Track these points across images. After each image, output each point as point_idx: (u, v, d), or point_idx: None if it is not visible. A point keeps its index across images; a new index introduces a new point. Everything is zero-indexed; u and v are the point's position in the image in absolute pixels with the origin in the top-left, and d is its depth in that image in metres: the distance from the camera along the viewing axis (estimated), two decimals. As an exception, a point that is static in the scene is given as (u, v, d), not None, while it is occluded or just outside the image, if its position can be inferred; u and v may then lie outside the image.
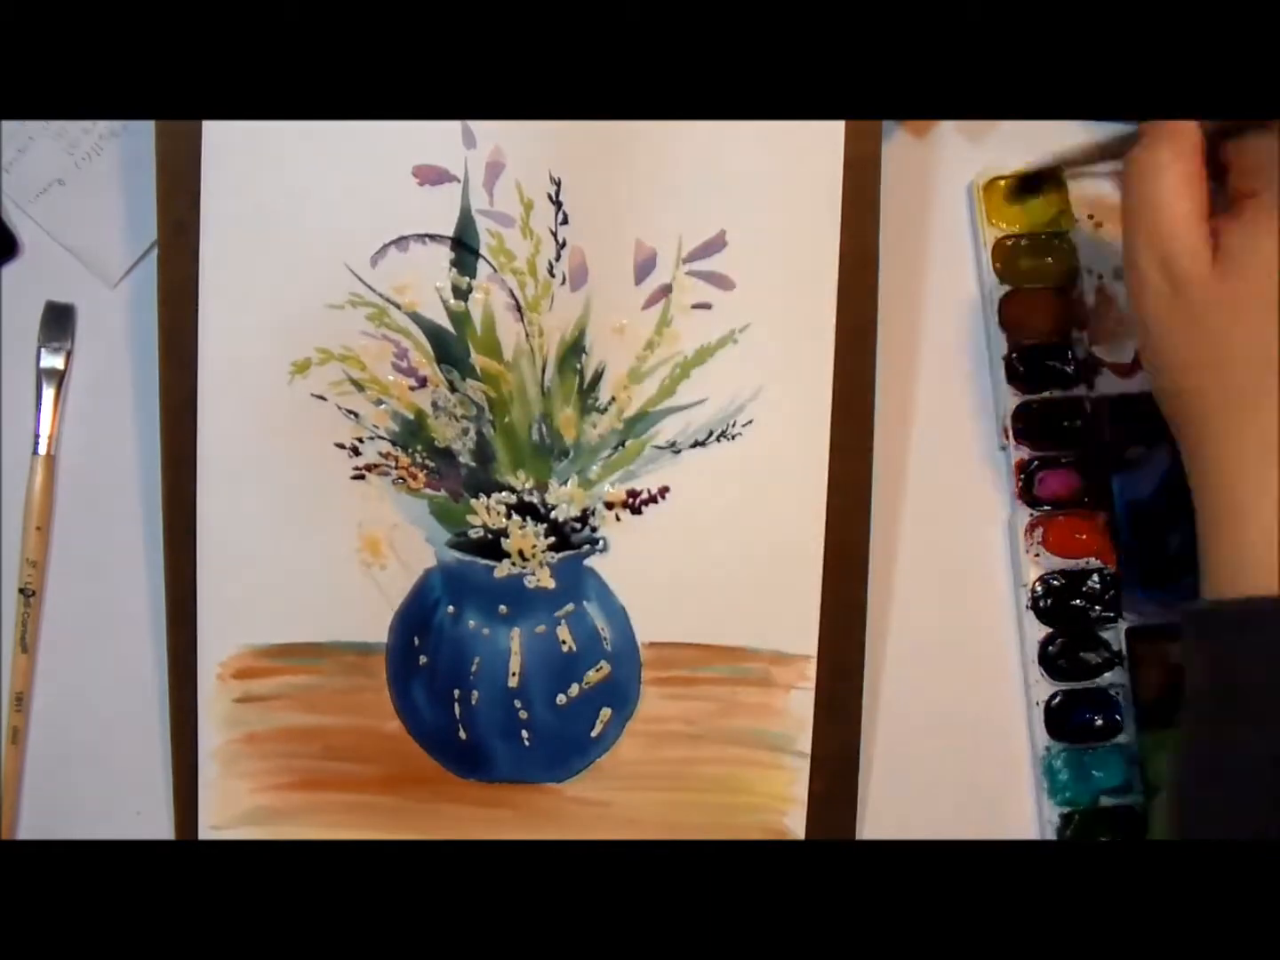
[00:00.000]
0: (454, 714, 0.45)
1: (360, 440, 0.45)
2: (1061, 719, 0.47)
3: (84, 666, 0.47)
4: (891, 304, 0.46)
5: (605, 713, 0.46)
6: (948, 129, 0.49)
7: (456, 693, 0.45)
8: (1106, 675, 0.47)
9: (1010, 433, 0.48)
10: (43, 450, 0.47)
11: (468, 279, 0.45)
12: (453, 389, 0.45)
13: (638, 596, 0.45)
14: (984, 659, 0.48)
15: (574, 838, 0.45)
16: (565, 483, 0.45)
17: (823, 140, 0.44)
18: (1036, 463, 0.48)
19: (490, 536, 0.45)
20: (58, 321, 0.48)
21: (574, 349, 0.45)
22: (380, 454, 0.45)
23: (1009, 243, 0.49)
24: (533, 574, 0.45)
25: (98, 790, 0.47)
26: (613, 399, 0.45)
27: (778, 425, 0.45)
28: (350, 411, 0.45)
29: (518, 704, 0.45)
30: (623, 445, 0.45)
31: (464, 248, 0.44)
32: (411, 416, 0.45)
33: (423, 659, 0.45)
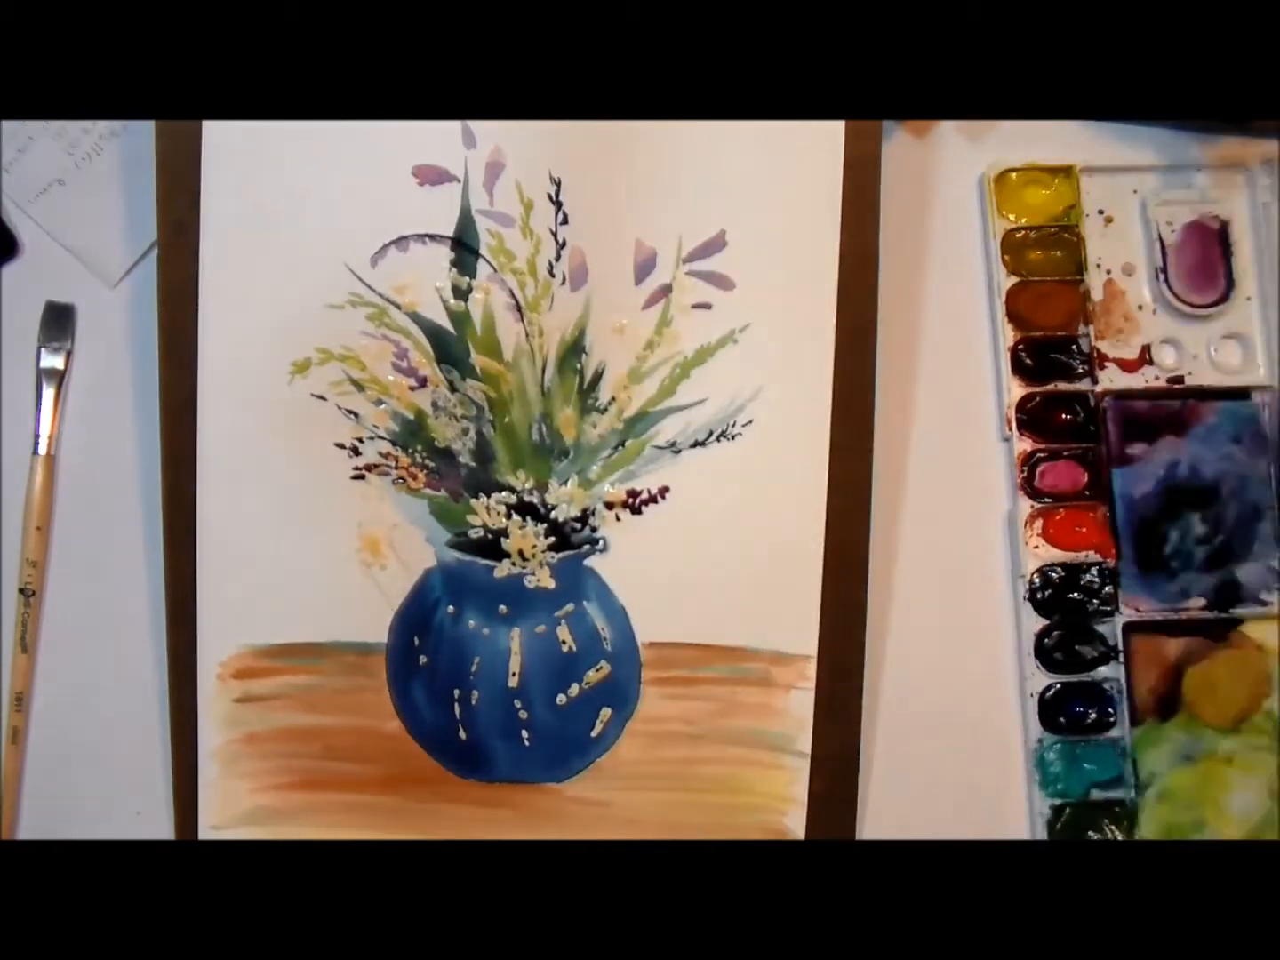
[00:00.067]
0: (454, 714, 0.45)
1: (360, 440, 0.45)
2: (1055, 711, 0.47)
3: (84, 666, 0.47)
4: (891, 304, 0.46)
5: (605, 713, 0.46)
6: (948, 129, 0.50)
7: (456, 693, 0.45)
8: (1101, 669, 0.47)
9: (1013, 424, 0.48)
10: (43, 450, 0.47)
11: (468, 279, 0.45)
12: (453, 389, 0.45)
13: (638, 596, 0.45)
14: (984, 658, 0.48)
15: (574, 838, 0.45)
16: (565, 483, 0.45)
17: (823, 140, 0.44)
18: (1039, 455, 0.48)
19: (490, 536, 0.45)
20: (58, 321, 0.48)
21: (574, 349, 0.45)
22: (380, 454, 0.45)
23: (1018, 235, 0.49)
24: (533, 574, 0.45)
25: (98, 790, 0.47)
26: (613, 399, 0.45)
27: (778, 425, 0.45)
28: (350, 411, 0.45)
29: (518, 704, 0.45)
30: (623, 445, 0.45)
31: (464, 248, 0.44)
32: (411, 416, 0.45)
33: (423, 659, 0.45)
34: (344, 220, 0.44)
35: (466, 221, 0.44)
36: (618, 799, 0.46)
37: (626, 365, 0.45)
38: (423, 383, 0.45)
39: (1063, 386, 0.48)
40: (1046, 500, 0.48)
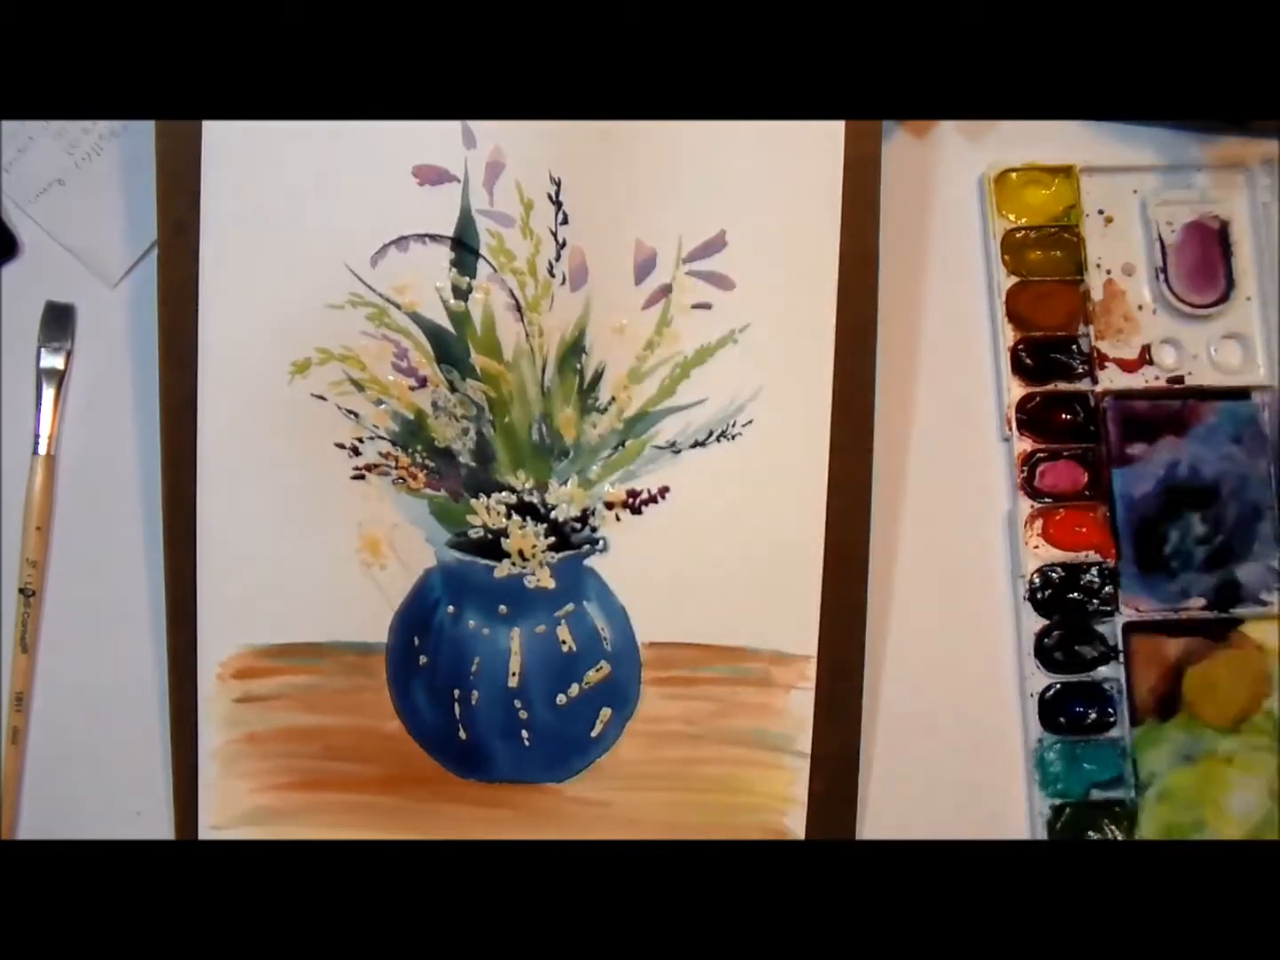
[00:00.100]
0: (454, 714, 0.45)
1: (360, 440, 0.45)
2: (1055, 711, 0.47)
3: (84, 666, 0.47)
4: (891, 304, 0.46)
5: (605, 713, 0.46)
6: (948, 129, 0.50)
7: (456, 693, 0.45)
8: (1101, 669, 0.47)
9: (1013, 424, 0.48)
10: (43, 450, 0.47)
11: (468, 279, 0.45)
12: (453, 389, 0.45)
13: (638, 596, 0.45)
14: (984, 658, 0.48)
15: (574, 838, 0.45)
16: (565, 483, 0.45)
17: (823, 140, 0.44)
18: (1039, 455, 0.48)
19: (490, 536, 0.45)
20: (58, 321, 0.48)
21: (574, 349, 0.45)
22: (380, 454, 0.45)
23: (1019, 235, 0.49)
24: (533, 574, 0.45)
25: (98, 790, 0.47)
26: (613, 399, 0.45)
27: (778, 425, 0.45)
28: (350, 411, 0.45)
29: (518, 704, 0.45)
30: (623, 445, 0.45)
31: (464, 248, 0.44)
32: (411, 416, 0.45)
33: (423, 659, 0.45)
34: (344, 220, 0.44)
35: (466, 221, 0.44)
36: (618, 799, 0.46)
37: (626, 365, 0.45)
38: (423, 383, 0.45)
39: (1063, 386, 0.48)
40: (1046, 500, 0.48)
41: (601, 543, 0.45)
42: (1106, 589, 0.47)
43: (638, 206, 0.45)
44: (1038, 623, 0.47)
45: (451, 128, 0.44)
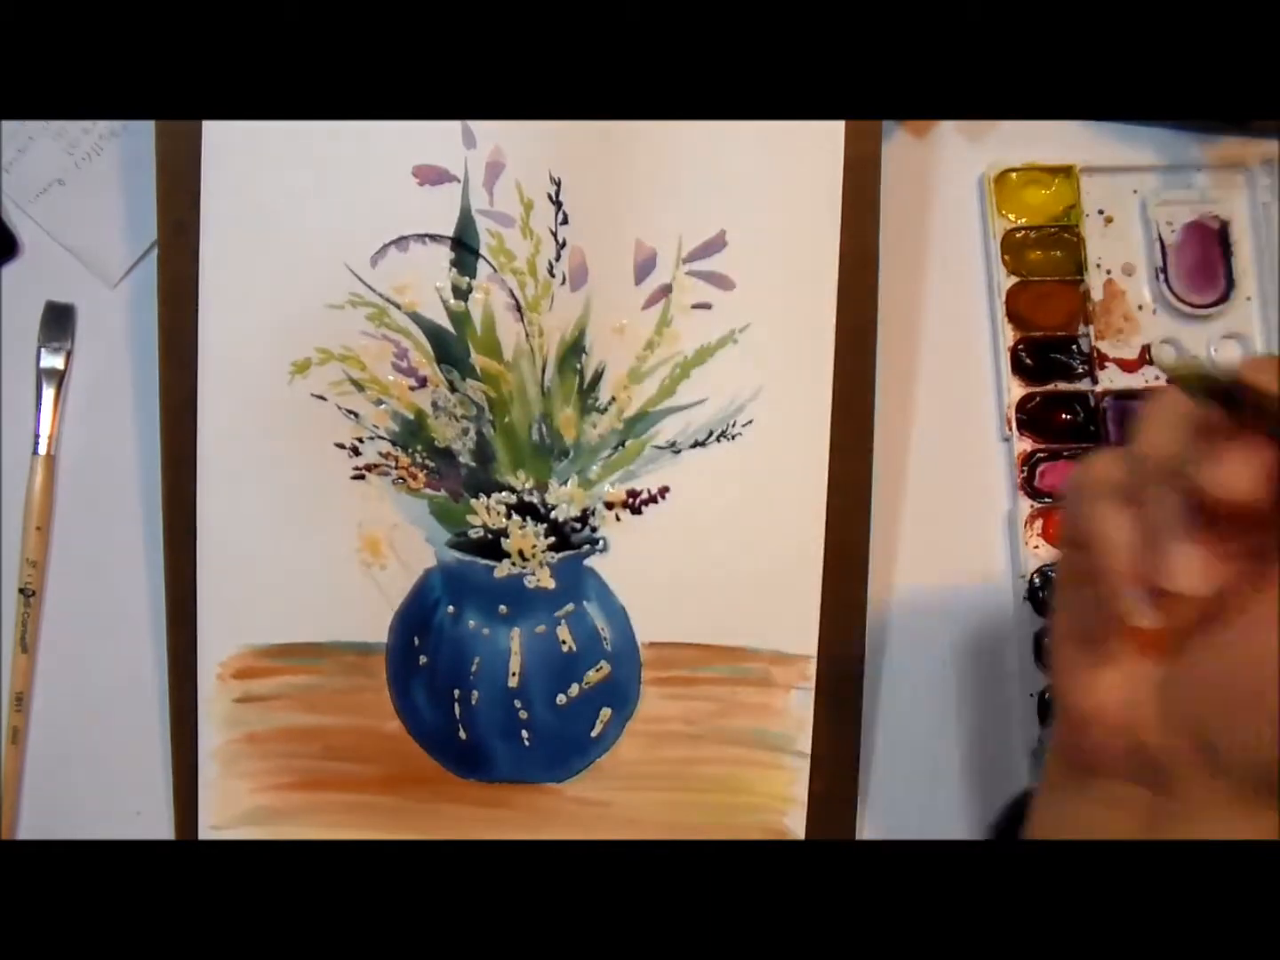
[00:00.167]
0: (454, 714, 0.45)
1: (360, 440, 0.45)
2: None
3: (84, 666, 0.47)
4: (891, 304, 0.46)
5: (605, 713, 0.46)
6: (948, 129, 0.50)
7: (456, 693, 0.45)
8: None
9: (1013, 424, 0.48)
10: (43, 450, 0.47)
11: (468, 279, 0.45)
12: (453, 389, 0.45)
13: (638, 596, 0.45)
14: (985, 658, 0.48)
15: (574, 838, 0.45)
16: (565, 483, 0.45)
17: (823, 140, 0.44)
18: (1039, 455, 0.48)
19: (490, 536, 0.45)
20: (58, 321, 0.48)
21: (574, 349, 0.45)
22: (380, 454, 0.45)
23: (1018, 235, 0.49)
24: (533, 574, 0.45)
25: (98, 790, 0.47)
26: (613, 399, 0.45)
27: (778, 425, 0.45)
28: (350, 411, 0.45)
29: (518, 704, 0.45)
30: (623, 445, 0.45)
31: (464, 248, 0.44)
32: (411, 416, 0.45)
33: (423, 659, 0.45)
34: (344, 220, 0.44)
35: (466, 221, 0.44)
36: (618, 799, 0.46)
37: (626, 365, 0.45)
38: (423, 383, 0.45)
39: (1063, 386, 0.48)
40: (1046, 500, 0.48)
41: (601, 543, 0.45)
42: (1106, 589, 0.47)
43: (638, 206, 0.45)
44: (1038, 623, 0.47)
45: (451, 128, 0.44)
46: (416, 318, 0.45)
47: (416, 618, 0.45)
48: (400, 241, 0.44)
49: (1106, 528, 0.29)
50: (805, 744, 0.45)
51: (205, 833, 0.45)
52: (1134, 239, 0.49)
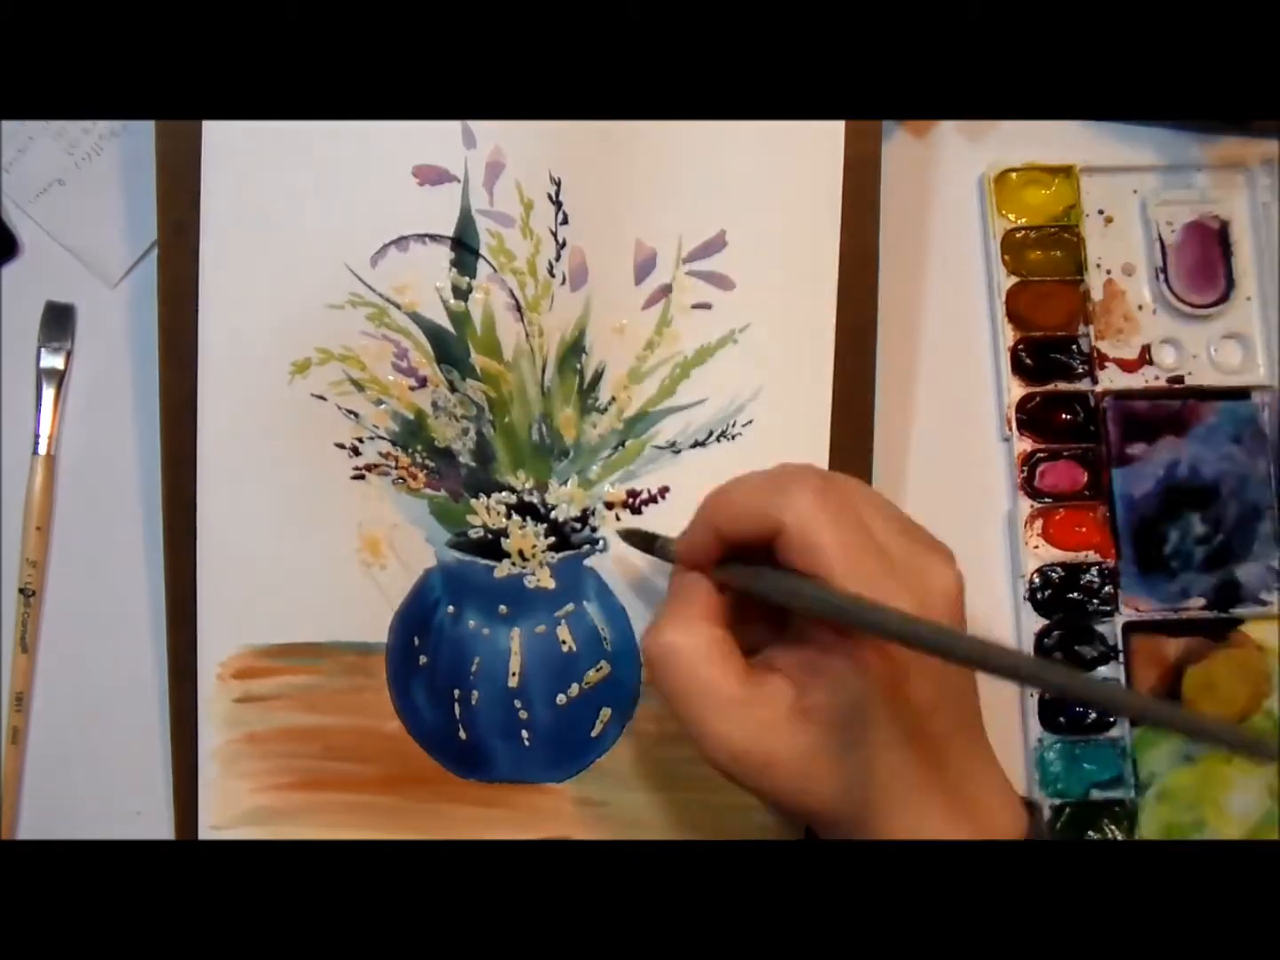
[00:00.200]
0: (454, 714, 0.45)
1: (360, 440, 0.45)
2: (1055, 711, 0.47)
3: (84, 666, 0.47)
4: (891, 304, 0.46)
5: (605, 713, 0.46)
6: (948, 129, 0.49)
7: (456, 693, 0.45)
8: (1101, 669, 0.47)
9: (1013, 424, 0.48)
10: (43, 450, 0.47)
11: (468, 279, 0.45)
12: (453, 389, 0.45)
13: (638, 596, 0.45)
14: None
15: (574, 838, 0.45)
16: (565, 483, 0.45)
17: (823, 140, 0.44)
18: (1039, 455, 0.48)
19: (490, 536, 0.45)
20: (58, 321, 0.48)
21: (574, 349, 0.45)
22: (380, 454, 0.45)
23: (1018, 235, 0.49)
24: (533, 574, 0.45)
25: (98, 790, 0.47)
26: (613, 399, 0.45)
27: (778, 425, 0.45)
28: (350, 411, 0.45)
29: (518, 704, 0.45)
30: (623, 445, 0.45)
31: (464, 248, 0.44)
32: (411, 416, 0.45)
33: (423, 659, 0.45)
34: (344, 220, 0.44)
35: (466, 221, 0.44)
36: (618, 799, 0.46)
37: (626, 365, 0.45)
38: (423, 383, 0.45)
39: (1063, 386, 0.48)
40: (1046, 500, 0.48)
41: (601, 543, 0.45)
42: (1106, 589, 0.47)
43: (638, 206, 0.45)
44: (1038, 623, 0.47)
45: (451, 128, 0.44)
46: (416, 318, 0.45)
47: (416, 618, 0.45)
48: (400, 241, 0.44)
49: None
50: (805, 744, 0.45)
51: (205, 833, 0.45)
52: (1134, 239, 0.49)
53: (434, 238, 0.44)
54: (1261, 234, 0.49)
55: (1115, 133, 0.49)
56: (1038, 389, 0.48)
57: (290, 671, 0.45)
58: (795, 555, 0.35)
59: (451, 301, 0.45)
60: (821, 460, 0.45)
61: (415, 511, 0.45)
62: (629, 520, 0.45)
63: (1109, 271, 0.49)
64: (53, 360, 0.48)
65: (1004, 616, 0.48)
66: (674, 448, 0.45)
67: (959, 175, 0.49)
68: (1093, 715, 0.47)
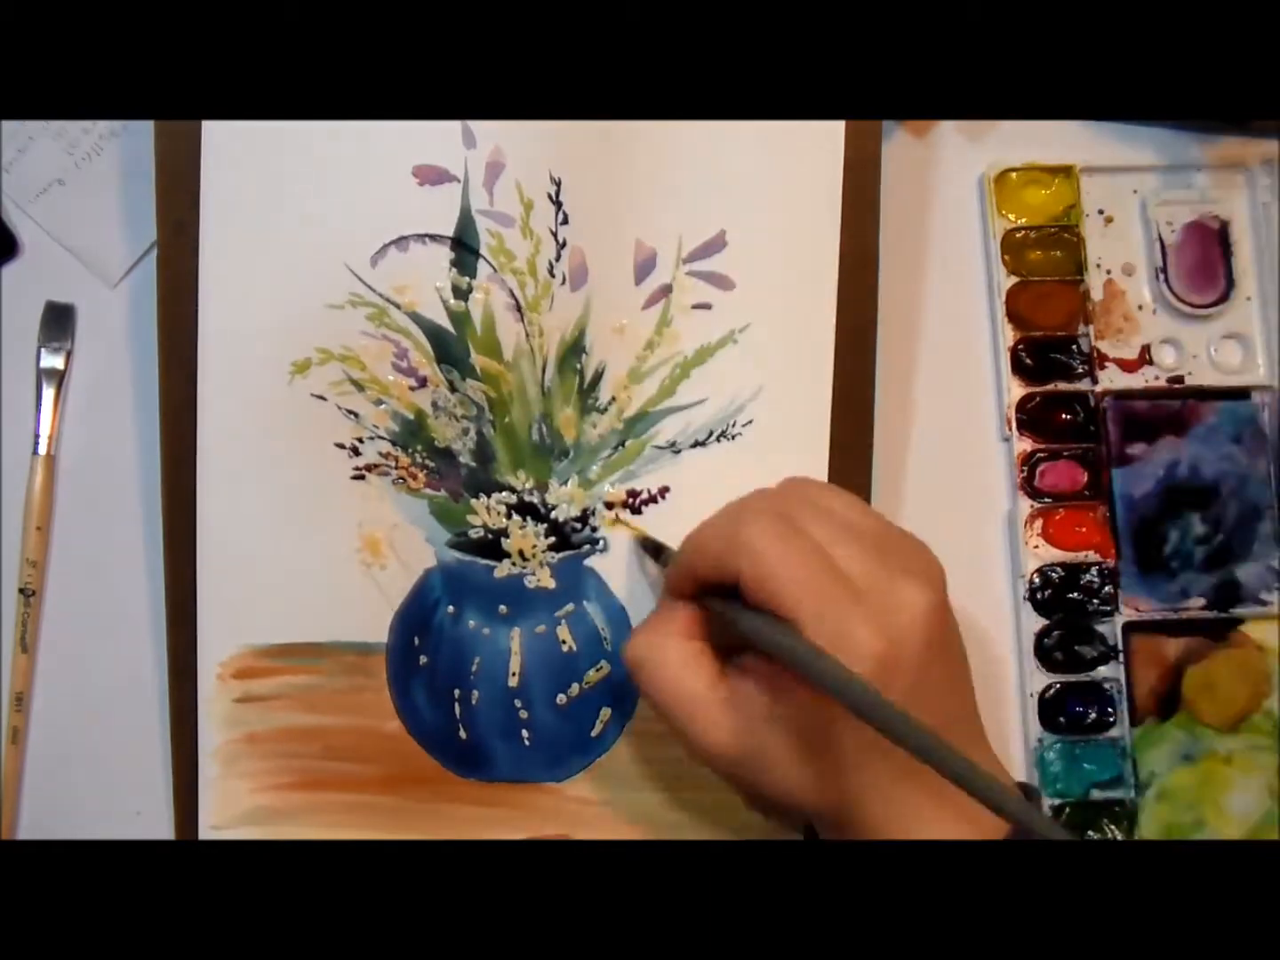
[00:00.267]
0: (454, 714, 0.45)
1: (360, 440, 0.45)
2: (1055, 711, 0.47)
3: (84, 666, 0.47)
4: (891, 304, 0.46)
5: (605, 712, 0.46)
6: (948, 129, 0.50)
7: (456, 692, 0.45)
8: (1101, 669, 0.47)
9: (1013, 424, 0.48)
10: (43, 450, 0.47)
11: (468, 279, 0.45)
12: (453, 389, 0.45)
13: (638, 596, 0.45)
14: (984, 658, 0.48)
15: (574, 838, 0.45)
16: (565, 483, 0.45)
17: (823, 140, 0.44)
18: (1039, 455, 0.48)
19: (490, 536, 0.45)
20: (58, 321, 0.48)
21: (574, 349, 0.45)
22: (380, 454, 0.45)
23: (1018, 235, 0.49)
24: (533, 574, 0.45)
25: (98, 790, 0.47)
26: (613, 399, 0.45)
27: (778, 425, 0.45)
28: (350, 411, 0.45)
29: (518, 704, 0.45)
30: (623, 445, 0.45)
31: (464, 248, 0.44)
32: (411, 416, 0.45)
33: (423, 659, 0.45)
34: (344, 220, 0.44)
35: (466, 221, 0.44)
36: (618, 799, 0.46)
37: (626, 365, 0.45)
38: (423, 383, 0.45)
39: (1063, 386, 0.48)
40: (1046, 500, 0.48)
41: (601, 543, 0.45)
42: (1106, 589, 0.47)
43: (638, 206, 0.45)
44: (1038, 623, 0.47)
45: (451, 128, 0.44)
46: (416, 318, 0.45)
47: (416, 618, 0.45)
48: (400, 241, 0.44)
49: None
50: (805, 744, 0.45)
51: (205, 833, 0.45)
52: (1134, 239, 0.49)
53: (434, 238, 0.44)
54: (1261, 234, 0.49)
55: (1115, 133, 0.49)
56: (1038, 389, 0.48)
57: (290, 671, 0.45)
58: (756, 599, 0.37)
59: (451, 301, 0.45)
60: (821, 460, 0.45)
61: (415, 511, 0.45)
62: (629, 520, 0.45)
63: (1109, 271, 0.49)
64: (53, 360, 0.48)
65: (1004, 616, 0.48)
66: (674, 448, 0.45)
67: (959, 175, 0.49)
68: (1093, 715, 0.47)
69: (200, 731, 0.45)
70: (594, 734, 0.46)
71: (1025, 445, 0.48)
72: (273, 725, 0.45)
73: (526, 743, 0.45)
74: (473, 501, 0.45)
